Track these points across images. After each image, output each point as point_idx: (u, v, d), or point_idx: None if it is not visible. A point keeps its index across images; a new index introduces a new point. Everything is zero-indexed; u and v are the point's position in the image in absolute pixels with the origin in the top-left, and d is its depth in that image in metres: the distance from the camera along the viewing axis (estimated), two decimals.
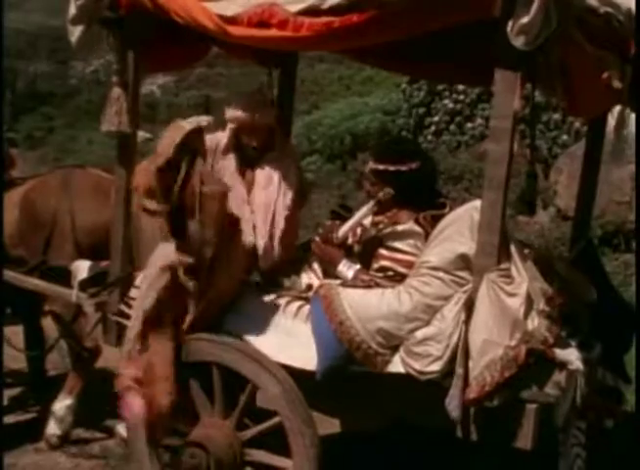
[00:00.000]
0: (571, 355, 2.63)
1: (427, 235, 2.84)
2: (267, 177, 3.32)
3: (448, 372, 2.60)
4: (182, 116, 3.10)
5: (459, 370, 2.56)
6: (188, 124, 2.88)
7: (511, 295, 2.56)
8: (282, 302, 2.98)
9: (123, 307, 3.19)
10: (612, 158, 3.23)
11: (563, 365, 2.61)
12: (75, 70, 19.05)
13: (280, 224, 3.28)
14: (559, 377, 2.61)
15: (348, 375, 2.76)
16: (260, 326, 2.94)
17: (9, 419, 4.18)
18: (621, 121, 2.75)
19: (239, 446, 2.91)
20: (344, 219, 3.12)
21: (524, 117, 2.81)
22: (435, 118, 10.77)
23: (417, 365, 2.65)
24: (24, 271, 3.93)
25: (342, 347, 2.72)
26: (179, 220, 2.84)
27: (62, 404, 4.08)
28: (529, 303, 2.59)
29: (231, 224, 3.03)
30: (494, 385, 2.51)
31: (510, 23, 2.40)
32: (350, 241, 3.07)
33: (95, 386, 3.99)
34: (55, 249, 3.96)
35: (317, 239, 3.12)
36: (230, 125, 3.45)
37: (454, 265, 2.68)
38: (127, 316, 3.10)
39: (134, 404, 2.91)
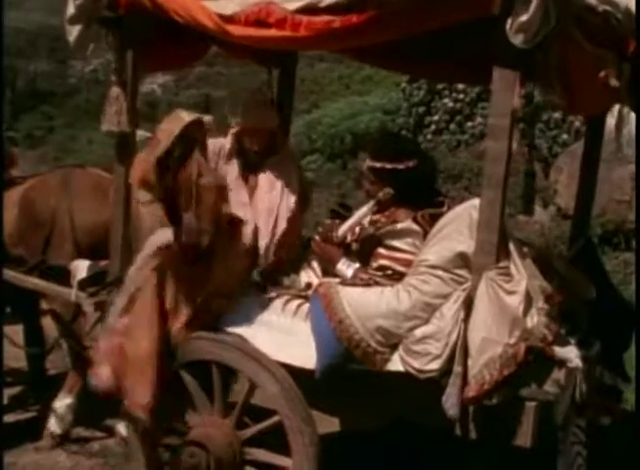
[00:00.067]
0: (571, 353, 2.63)
1: (425, 234, 2.84)
2: (270, 182, 3.32)
3: (447, 371, 2.60)
4: None
5: (458, 368, 2.56)
6: (187, 115, 2.89)
7: (510, 293, 2.56)
8: (281, 300, 2.98)
9: None
10: (615, 156, 3.23)
11: (562, 363, 2.61)
12: (75, 69, 19.06)
13: (282, 227, 3.28)
14: (558, 375, 2.61)
15: (348, 374, 2.76)
16: (260, 325, 2.94)
17: (9, 418, 4.18)
18: (621, 120, 2.75)
19: (238, 445, 2.91)
20: (344, 218, 3.12)
21: (524, 117, 2.81)
22: (435, 117, 10.79)
23: (416, 364, 2.65)
24: (24, 271, 3.93)
25: (342, 345, 2.73)
26: (174, 210, 2.87)
27: (62, 403, 4.09)
28: (528, 300, 2.59)
29: (232, 225, 3.04)
30: (493, 383, 2.51)
31: (509, 21, 2.41)
32: (349, 239, 3.07)
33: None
34: (54, 248, 3.97)
35: (317, 238, 3.13)
36: (232, 130, 3.45)
37: (453, 264, 2.68)
38: None
39: (101, 375, 2.97)
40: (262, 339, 2.90)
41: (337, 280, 2.94)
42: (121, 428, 3.87)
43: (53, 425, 4.10)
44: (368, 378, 2.76)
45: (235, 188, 3.29)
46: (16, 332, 4.43)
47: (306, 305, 2.92)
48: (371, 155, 3.04)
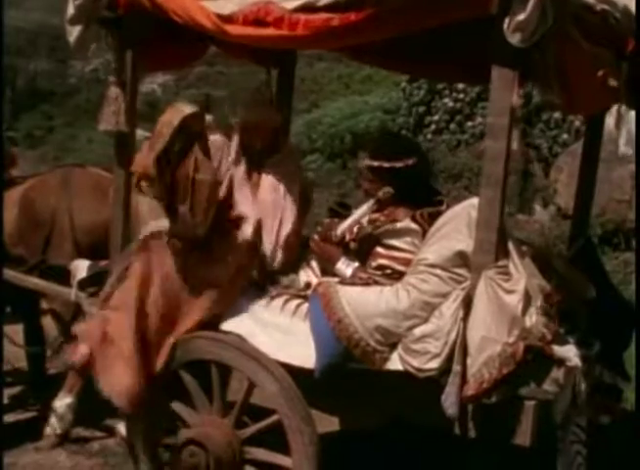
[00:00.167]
0: (570, 352, 2.63)
1: (424, 233, 2.84)
2: (273, 182, 3.31)
3: (446, 369, 2.60)
4: None
5: (457, 367, 2.56)
6: (187, 108, 2.90)
7: (509, 292, 2.56)
8: (280, 300, 2.99)
9: None
10: (614, 155, 3.23)
11: (561, 362, 2.61)
12: (75, 68, 19.04)
13: (286, 230, 3.28)
14: (557, 374, 2.61)
15: (347, 373, 2.76)
16: (259, 324, 2.95)
17: (9, 418, 4.18)
18: (620, 119, 2.75)
19: (238, 445, 2.92)
20: (343, 217, 3.12)
21: (523, 116, 2.81)
22: (435, 117, 10.78)
23: (415, 363, 2.66)
24: (24, 270, 3.94)
25: (341, 344, 2.73)
26: (172, 203, 2.92)
27: (62, 403, 4.09)
28: (527, 300, 2.59)
29: (232, 221, 3.06)
30: (492, 382, 2.51)
31: (506, 21, 2.41)
32: (347, 239, 3.07)
33: (95, 384, 3.99)
34: (54, 248, 3.98)
35: (315, 237, 3.13)
36: (236, 127, 3.45)
37: (452, 263, 2.68)
38: None
39: (78, 353, 3.01)
40: (261, 338, 2.90)
41: (336, 279, 2.94)
42: (121, 428, 3.86)
43: (53, 425, 4.10)
44: (367, 377, 2.76)
45: (239, 186, 3.28)
46: (16, 332, 4.43)
47: (305, 305, 2.92)
48: (369, 154, 3.04)
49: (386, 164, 2.95)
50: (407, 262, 2.82)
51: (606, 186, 6.67)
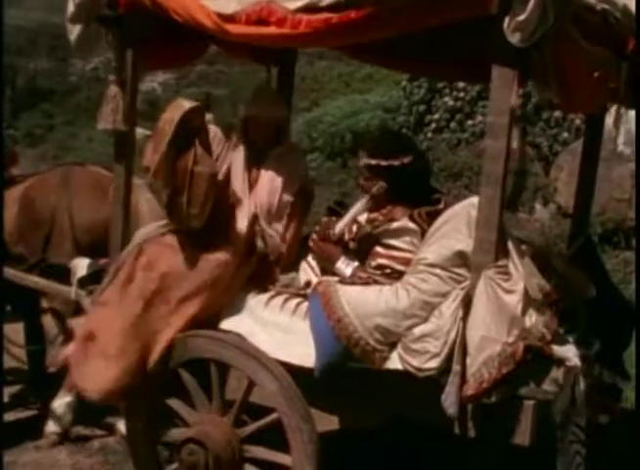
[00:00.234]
0: (569, 352, 2.63)
1: (423, 232, 2.84)
2: (271, 175, 3.29)
3: (446, 369, 2.60)
4: None
5: (456, 367, 2.56)
6: (187, 103, 2.93)
7: (508, 291, 2.56)
8: (280, 299, 2.99)
9: None
10: (608, 153, 3.23)
11: (560, 362, 2.61)
12: (75, 67, 19.04)
13: (285, 225, 3.27)
14: (557, 374, 2.61)
15: (346, 372, 2.76)
16: (259, 323, 2.95)
17: (9, 416, 4.19)
18: (618, 118, 2.75)
19: (237, 443, 2.92)
20: (341, 216, 3.12)
21: (526, 115, 2.81)
22: (436, 116, 10.78)
23: (415, 362, 2.66)
24: (24, 269, 3.94)
25: (341, 343, 2.73)
26: (172, 196, 2.95)
27: (61, 402, 4.09)
28: (527, 299, 2.59)
29: (229, 216, 3.07)
30: (492, 381, 2.51)
31: (506, 20, 2.41)
32: (346, 238, 3.07)
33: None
34: (54, 247, 3.98)
35: (314, 237, 3.13)
36: (240, 118, 3.44)
37: (451, 262, 2.68)
38: None
39: (67, 350, 3.06)
40: (261, 337, 2.90)
41: (336, 278, 2.94)
42: (121, 426, 3.87)
43: (53, 423, 4.10)
44: (367, 376, 2.76)
45: (237, 178, 3.28)
46: (16, 331, 4.43)
47: (305, 304, 2.92)
48: (367, 152, 3.05)
49: (383, 163, 2.96)
50: (407, 262, 2.82)
51: (606, 185, 6.67)
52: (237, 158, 3.33)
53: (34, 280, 3.88)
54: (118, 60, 3.16)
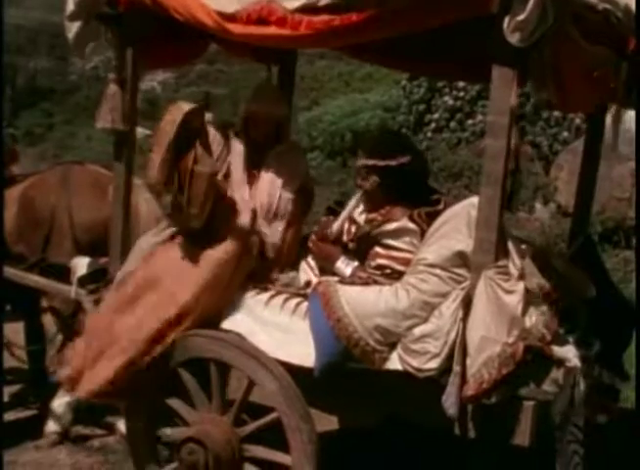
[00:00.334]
0: (569, 353, 2.63)
1: (422, 232, 2.84)
2: (273, 175, 3.29)
3: (446, 369, 2.60)
4: None
5: (456, 367, 2.56)
6: (187, 105, 2.95)
7: (509, 292, 2.56)
8: (280, 298, 2.98)
9: None
10: (612, 153, 3.23)
11: (560, 363, 2.60)
12: (75, 66, 19.02)
13: (285, 222, 3.26)
14: (557, 374, 2.60)
15: (346, 372, 2.76)
16: (258, 323, 2.94)
17: (9, 416, 4.19)
18: (617, 117, 2.75)
19: (237, 442, 2.92)
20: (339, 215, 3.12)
21: (524, 114, 2.81)
22: (436, 115, 10.77)
23: (415, 362, 2.65)
24: (24, 268, 3.94)
25: (340, 343, 2.73)
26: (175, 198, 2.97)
27: (61, 401, 4.09)
28: (527, 299, 2.59)
29: (228, 206, 3.08)
30: (492, 382, 2.51)
31: (506, 20, 2.41)
32: (345, 239, 3.06)
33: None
34: (54, 246, 3.98)
35: (313, 237, 3.13)
36: (241, 115, 3.44)
37: (451, 262, 2.68)
38: None
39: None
40: (261, 337, 2.90)
41: (335, 278, 2.94)
42: (121, 425, 3.87)
43: (52, 423, 4.10)
44: (366, 377, 2.76)
45: (237, 176, 3.28)
46: (16, 331, 4.43)
47: (305, 304, 2.92)
48: (364, 152, 3.05)
49: (380, 163, 2.95)
50: (406, 262, 2.82)
51: (606, 184, 6.67)
52: (237, 157, 3.32)
53: (34, 279, 3.87)
54: (118, 58, 3.15)
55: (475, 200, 2.67)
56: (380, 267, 2.87)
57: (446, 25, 2.60)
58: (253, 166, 3.30)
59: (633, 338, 3.24)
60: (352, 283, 2.87)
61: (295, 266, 3.22)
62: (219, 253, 3.01)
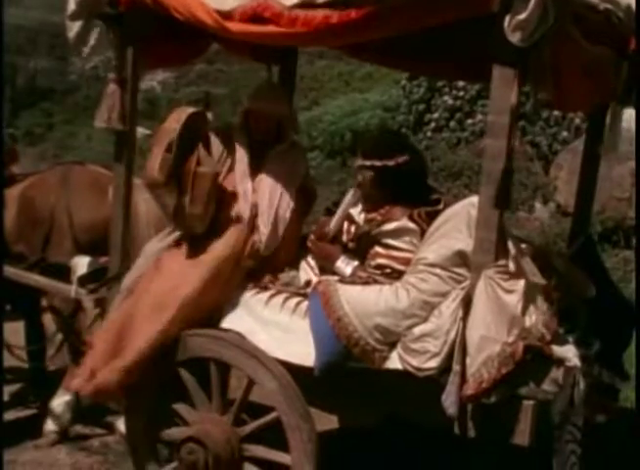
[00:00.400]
0: (569, 352, 2.63)
1: (422, 232, 2.84)
2: (274, 173, 3.28)
3: (446, 369, 2.60)
4: None
5: (456, 367, 2.56)
6: (189, 108, 3.00)
7: (508, 291, 2.56)
8: (280, 298, 2.98)
9: None
10: (605, 151, 3.24)
11: (560, 362, 2.60)
12: (75, 66, 18.99)
13: (284, 221, 3.26)
14: (556, 374, 2.60)
15: (346, 371, 2.76)
16: (258, 322, 2.94)
17: (9, 415, 4.18)
18: (615, 116, 2.75)
19: (237, 442, 2.92)
20: None
21: (524, 114, 2.81)
22: (435, 115, 10.76)
23: (414, 362, 2.66)
24: (25, 267, 3.94)
25: (340, 343, 2.73)
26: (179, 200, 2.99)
27: (60, 401, 4.09)
28: (527, 299, 2.59)
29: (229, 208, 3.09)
30: (491, 381, 2.51)
31: (507, 19, 2.40)
32: (345, 239, 3.06)
33: None
34: (54, 246, 3.98)
35: (312, 237, 3.13)
36: (242, 113, 3.43)
37: (451, 262, 2.68)
38: None
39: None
40: (261, 336, 2.90)
41: (336, 278, 2.94)
42: (121, 425, 3.87)
43: (52, 422, 4.10)
44: (366, 376, 2.76)
45: (238, 176, 3.27)
46: (16, 330, 4.43)
47: (305, 303, 2.92)
48: (362, 153, 3.05)
49: (378, 163, 2.96)
50: (406, 262, 2.82)
51: (606, 184, 6.66)
52: (238, 156, 3.32)
53: (35, 278, 3.87)
54: (119, 58, 3.15)
55: (474, 199, 2.67)
56: (380, 267, 2.87)
57: (446, 24, 2.60)
58: (254, 166, 3.30)
59: (633, 338, 3.24)
60: (352, 282, 2.87)
61: (295, 266, 3.22)
62: (220, 248, 3.02)
